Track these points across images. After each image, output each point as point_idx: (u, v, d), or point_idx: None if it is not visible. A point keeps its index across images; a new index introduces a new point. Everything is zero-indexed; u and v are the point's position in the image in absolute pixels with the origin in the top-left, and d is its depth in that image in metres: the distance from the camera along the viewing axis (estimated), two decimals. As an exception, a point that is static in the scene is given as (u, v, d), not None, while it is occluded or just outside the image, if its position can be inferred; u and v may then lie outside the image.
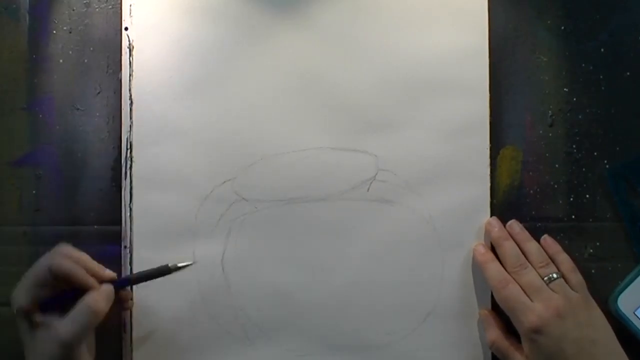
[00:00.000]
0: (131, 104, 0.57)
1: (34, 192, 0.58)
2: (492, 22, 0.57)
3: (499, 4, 0.57)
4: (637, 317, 0.54)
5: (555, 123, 0.57)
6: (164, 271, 0.54)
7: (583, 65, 0.57)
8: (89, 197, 0.58)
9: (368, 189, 0.57)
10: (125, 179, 0.57)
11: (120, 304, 0.54)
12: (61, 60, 0.58)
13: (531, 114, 0.57)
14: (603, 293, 0.56)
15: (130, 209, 0.56)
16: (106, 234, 0.57)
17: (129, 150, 0.57)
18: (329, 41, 0.57)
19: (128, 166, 0.57)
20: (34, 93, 0.58)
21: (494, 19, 0.57)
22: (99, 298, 0.51)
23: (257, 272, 0.56)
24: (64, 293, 0.52)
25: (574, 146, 0.57)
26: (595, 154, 0.57)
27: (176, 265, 0.54)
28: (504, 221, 0.56)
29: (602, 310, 0.53)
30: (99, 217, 0.58)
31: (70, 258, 0.52)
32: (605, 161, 0.57)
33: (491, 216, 0.56)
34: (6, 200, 0.58)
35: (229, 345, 0.56)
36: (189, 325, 0.56)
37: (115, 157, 0.58)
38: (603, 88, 0.57)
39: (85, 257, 0.53)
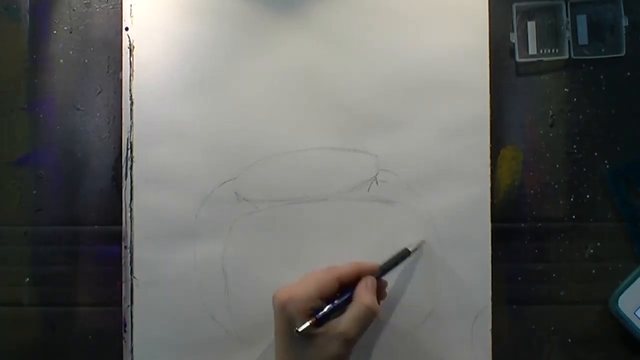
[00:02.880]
0: (132, 104, 0.57)
1: (34, 192, 0.58)
2: (492, 22, 0.57)
3: (499, 4, 0.57)
4: (638, 317, 0.54)
5: (556, 123, 0.57)
6: (405, 255, 0.55)
7: (583, 65, 0.57)
8: (90, 197, 0.58)
9: (368, 189, 0.57)
10: (126, 179, 0.57)
11: (379, 292, 0.53)
12: (62, 60, 0.58)
13: (532, 114, 0.57)
14: (603, 293, 0.56)
15: (131, 209, 0.57)
16: (107, 234, 0.57)
17: (129, 150, 0.57)
18: (329, 41, 0.57)
19: (128, 166, 0.57)
20: (35, 93, 0.58)
21: (494, 19, 0.57)
22: (372, 296, 0.51)
23: (257, 272, 0.56)
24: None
25: (575, 146, 0.57)
26: (596, 154, 0.57)
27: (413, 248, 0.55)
28: (503, 221, 0.56)
29: (603, 310, 0.53)
30: (100, 217, 0.58)
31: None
32: (606, 161, 0.57)
33: (492, 216, 0.56)
34: (6, 200, 0.58)
35: (229, 345, 0.56)
36: (189, 325, 0.56)
37: (115, 157, 0.58)
38: (603, 88, 0.57)
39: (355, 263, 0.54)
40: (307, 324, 0.48)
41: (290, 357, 0.50)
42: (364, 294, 0.51)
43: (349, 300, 0.51)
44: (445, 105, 0.56)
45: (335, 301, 0.50)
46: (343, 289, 0.52)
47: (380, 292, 0.54)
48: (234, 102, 0.57)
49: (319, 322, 0.49)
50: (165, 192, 0.57)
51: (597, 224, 0.57)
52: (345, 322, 0.49)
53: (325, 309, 0.50)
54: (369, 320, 0.50)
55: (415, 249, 0.55)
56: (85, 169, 0.58)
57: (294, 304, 0.49)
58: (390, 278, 0.56)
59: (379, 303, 0.52)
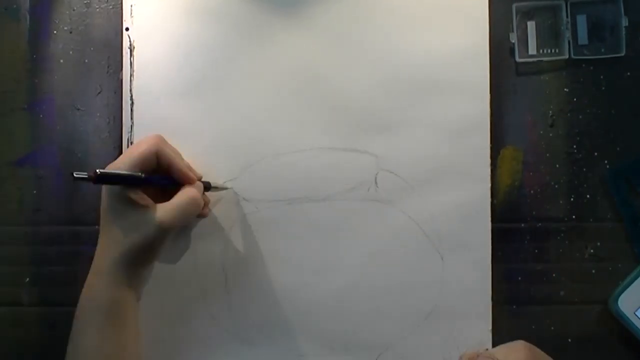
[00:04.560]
0: (132, 104, 0.57)
1: (34, 192, 0.58)
2: (492, 22, 0.57)
3: (499, 4, 0.57)
4: (638, 317, 0.54)
5: (556, 123, 0.57)
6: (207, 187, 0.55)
7: (583, 65, 0.57)
8: (89, 197, 0.58)
9: (368, 189, 0.57)
10: (126, 179, 0.57)
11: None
12: (62, 61, 0.58)
13: (532, 114, 0.57)
14: (603, 293, 0.56)
15: (131, 209, 0.56)
16: (106, 234, 0.57)
17: (129, 151, 0.57)
18: (329, 41, 0.57)
19: (128, 166, 0.57)
20: (35, 93, 0.58)
21: (494, 19, 0.57)
22: (199, 194, 0.52)
23: (257, 272, 0.56)
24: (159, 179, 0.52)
25: (575, 146, 0.57)
26: (596, 154, 0.57)
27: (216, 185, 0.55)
28: (504, 221, 0.56)
29: (603, 310, 0.53)
30: (100, 217, 0.57)
31: (172, 150, 0.53)
32: (606, 161, 0.57)
33: (492, 216, 0.56)
34: (6, 200, 0.58)
35: (229, 345, 0.56)
36: (189, 325, 0.56)
37: (115, 157, 0.57)
38: (603, 88, 0.57)
39: (178, 152, 0.54)
40: (84, 174, 0.47)
41: (105, 230, 0.51)
42: (190, 187, 0.51)
43: (167, 185, 0.51)
44: (445, 105, 0.56)
45: (143, 175, 0.50)
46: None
47: (204, 207, 0.54)
48: (234, 102, 0.57)
49: (98, 177, 0.47)
50: (165, 192, 0.57)
51: (597, 224, 0.57)
52: (165, 207, 0.50)
53: (112, 170, 0.49)
54: (190, 213, 0.51)
55: (216, 188, 0.55)
56: (85, 169, 0.58)
57: (119, 161, 0.50)
58: (390, 278, 0.56)
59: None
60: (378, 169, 0.57)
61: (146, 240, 0.49)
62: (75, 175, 0.47)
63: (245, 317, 0.56)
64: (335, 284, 0.56)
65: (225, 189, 0.56)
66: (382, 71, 0.57)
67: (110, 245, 0.50)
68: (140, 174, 0.50)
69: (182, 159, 0.54)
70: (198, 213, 0.53)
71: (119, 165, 0.50)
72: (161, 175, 0.52)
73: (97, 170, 0.47)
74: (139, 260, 0.50)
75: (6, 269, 0.57)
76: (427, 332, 0.56)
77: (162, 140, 0.52)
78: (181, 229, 0.56)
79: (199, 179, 0.53)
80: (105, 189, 0.51)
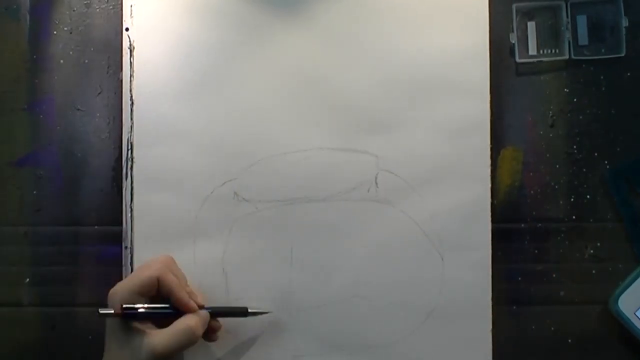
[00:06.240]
0: (132, 104, 0.57)
1: (34, 192, 0.58)
2: (492, 22, 0.57)
3: (499, 4, 0.57)
4: (638, 317, 0.54)
5: (556, 123, 0.57)
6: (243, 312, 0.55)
7: (583, 65, 0.57)
8: (90, 198, 0.58)
9: (368, 190, 0.57)
10: (126, 179, 0.57)
11: (207, 334, 0.53)
12: (62, 61, 0.58)
13: (532, 115, 0.57)
14: (603, 294, 0.56)
15: (131, 210, 0.57)
16: (107, 235, 0.57)
17: (129, 151, 0.57)
18: (329, 41, 0.57)
19: (129, 166, 0.57)
20: (35, 93, 0.58)
21: (494, 19, 0.57)
22: (199, 323, 0.51)
23: (257, 272, 0.56)
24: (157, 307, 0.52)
25: (575, 147, 0.57)
26: (596, 154, 0.57)
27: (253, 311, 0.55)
28: (504, 221, 0.56)
29: (603, 310, 0.53)
30: (100, 218, 0.58)
31: (174, 275, 0.52)
32: (606, 161, 0.57)
33: (492, 216, 0.56)
34: (6, 200, 0.58)
35: (229, 344, 0.56)
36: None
37: (115, 158, 0.58)
38: (603, 88, 0.57)
39: (184, 277, 0.54)
40: (109, 310, 0.49)
41: (108, 354, 0.51)
42: (191, 316, 0.51)
43: (171, 314, 0.51)
44: (445, 105, 0.56)
45: (153, 304, 0.51)
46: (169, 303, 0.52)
47: (211, 333, 0.54)
48: (234, 102, 0.57)
49: (125, 313, 0.49)
50: (165, 192, 0.57)
51: (597, 224, 0.57)
52: (161, 335, 0.50)
53: (137, 305, 0.50)
54: (186, 342, 0.50)
55: (254, 313, 0.55)
56: (85, 169, 0.58)
57: (116, 295, 0.50)
58: (391, 278, 0.56)
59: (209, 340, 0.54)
60: (378, 169, 0.57)
61: None
62: (100, 311, 0.49)
63: (246, 317, 0.56)
64: (335, 284, 0.56)
65: (265, 313, 0.55)
66: (382, 71, 0.57)
67: None
68: (167, 307, 0.51)
69: (187, 285, 0.54)
70: (195, 342, 0.51)
71: (121, 293, 0.50)
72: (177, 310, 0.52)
73: (123, 305, 0.50)
74: None
75: (6, 269, 0.57)
76: (427, 332, 0.56)
77: (168, 265, 0.53)
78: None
79: (202, 307, 0.53)
80: (110, 318, 0.51)
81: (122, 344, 0.50)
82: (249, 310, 0.54)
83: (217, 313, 0.54)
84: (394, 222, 0.56)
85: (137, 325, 0.50)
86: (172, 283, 0.51)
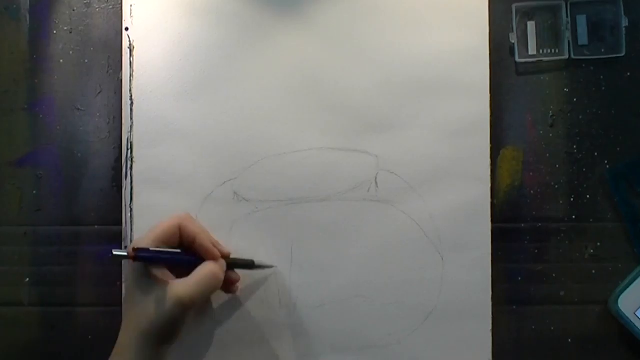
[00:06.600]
0: (132, 104, 0.57)
1: (34, 192, 0.58)
2: (492, 22, 0.57)
3: (499, 4, 0.57)
4: (638, 317, 0.54)
5: (556, 123, 0.57)
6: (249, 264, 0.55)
7: (583, 65, 0.57)
8: (90, 197, 0.58)
9: (368, 190, 0.57)
10: (126, 179, 0.57)
11: (227, 285, 0.54)
12: (61, 61, 0.58)
13: (532, 114, 0.57)
14: (603, 294, 0.56)
15: (131, 209, 0.57)
16: (107, 234, 0.57)
17: (129, 151, 0.57)
18: (329, 41, 0.57)
19: (129, 166, 0.57)
20: (35, 93, 0.58)
21: (494, 19, 0.57)
22: (220, 270, 0.51)
23: (257, 272, 0.56)
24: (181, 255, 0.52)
25: (575, 146, 0.57)
26: (596, 154, 0.57)
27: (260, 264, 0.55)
28: (504, 221, 0.56)
29: (603, 310, 0.53)
30: (100, 217, 0.58)
31: (198, 226, 0.52)
32: (606, 161, 0.57)
33: (492, 216, 0.56)
34: (7, 200, 0.58)
35: (229, 345, 0.56)
36: (189, 325, 0.56)
37: (115, 157, 0.58)
38: (603, 88, 0.57)
39: (206, 229, 0.54)
40: (122, 252, 0.49)
41: (128, 306, 0.50)
42: (212, 263, 0.51)
43: (192, 262, 0.51)
44: (445, 105, 0.56)
45: (174, 249, 0.51)
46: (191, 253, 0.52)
47: (230, 285, 0.54)
48: (234, 102, 0.57)
49: (137, 256, 0.49)
50: (165, 192, 0.57)
51: (597, 224, 0.57)
52: (184, 284, 0.49)
53: (152, 248, 0.50)
54: (210, 289, 0.51)
55: (260, 266, 0.55)
56: (85, 169, 0.58)
57: (139, 244, 0.50)
58: (391, 278, 0.56)
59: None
60: (378, 169, 0.57)
61: (166, 317, 0.49)
62: (114, 252, 0.48)
63: (246, 317, 0.56)
64: (335, 284, 0.56)
65: (270, 267, 0.56)
66: (382, 71, 0.57)
67: (133, 322, 0.50)
68: (177, 249, 0.51)
69: (209, 236, 0.54)
70: (218, 289, 0.52)
71: (145, 242, 0.50)
72: (194, 255, 0.52)
73: (135, 247, 0.49)
74: (160, 338, 0.50)
75: (6, 269, 0.58)
76: (427, 332, 0.56)
77: (187, 216, 0.53)
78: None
79: (226, 256, 0.53)
80: (129, 265, 0.51)
81: (144, 299, 0.49)
82: (255, 264, 0.55)
83: (231, 263, 0.54)
84: (394, 222, 0.56)
85: (157, 274, 0.49)
86: (196, 229, 0.52)
